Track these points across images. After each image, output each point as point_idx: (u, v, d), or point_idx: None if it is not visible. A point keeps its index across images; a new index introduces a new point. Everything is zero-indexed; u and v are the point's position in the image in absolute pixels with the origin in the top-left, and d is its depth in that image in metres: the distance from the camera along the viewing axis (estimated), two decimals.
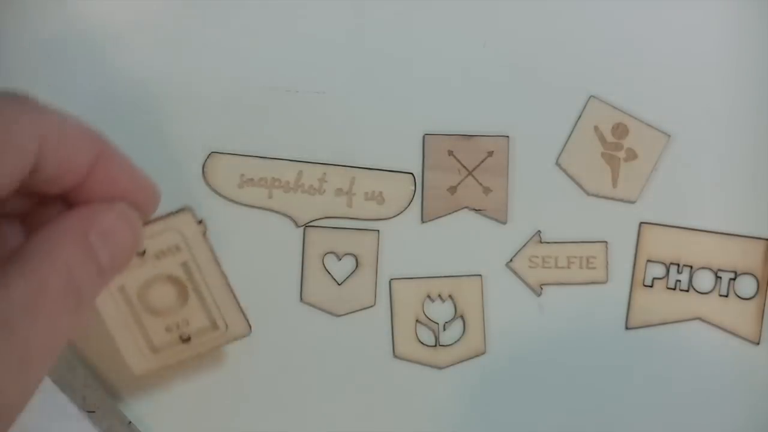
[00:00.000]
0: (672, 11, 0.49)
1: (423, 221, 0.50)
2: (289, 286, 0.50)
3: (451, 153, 0.49)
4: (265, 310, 0.50)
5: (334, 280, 0.50)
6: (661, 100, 0.50)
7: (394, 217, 0.49)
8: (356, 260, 0.50)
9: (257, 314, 0.49)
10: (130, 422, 0.49)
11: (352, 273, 0.50)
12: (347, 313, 0.50)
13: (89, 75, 0.49)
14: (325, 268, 0.50)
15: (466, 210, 0.50)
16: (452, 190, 0.50)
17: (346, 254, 0.49)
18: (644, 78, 0.49)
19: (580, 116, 0.49)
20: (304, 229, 0.49)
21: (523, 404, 0.50)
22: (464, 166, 0.49)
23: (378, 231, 0.50)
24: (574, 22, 0.50)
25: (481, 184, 0.50)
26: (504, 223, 0.50)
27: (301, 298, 0.50)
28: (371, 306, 0.50)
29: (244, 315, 0.43)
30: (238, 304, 0.43)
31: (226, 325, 0.43)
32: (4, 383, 0.32)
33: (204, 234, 0.42)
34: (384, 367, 0.50)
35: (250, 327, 0.43)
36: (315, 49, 0.49)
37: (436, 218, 0.50)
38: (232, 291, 0.42)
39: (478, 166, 0.49)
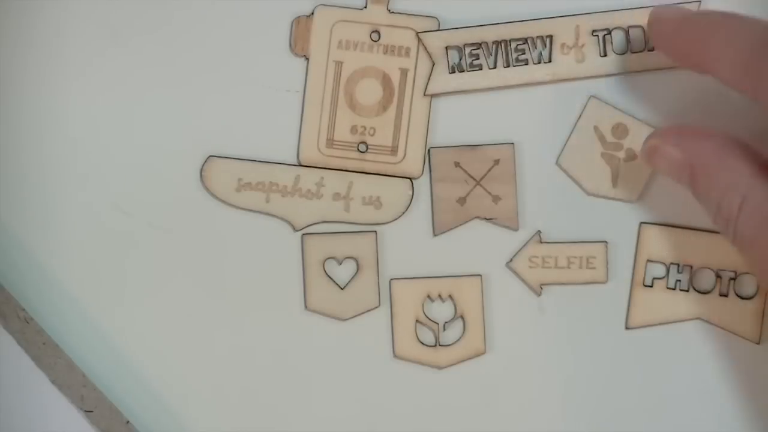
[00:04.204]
0: None
1: (435, 234, 0.49)
2: (293, 295, 0.50)
3: (457, 164, 0.49)
4: (272, 319, 0.50)
5: (337, 285, 0.50)
6: (661, 100, 0.49)
7: (391, 221, 0.49)
8: (357, 263, 0.50)
9: (264, 324, 0.50)
10: (128, 421, 0.49)
11: (353, 276, 0.50)
12: (352, 317, 0.50)
13: (87, 77, 0.49)
14: (326, 273, 0.50)
15: (477, 220, 0.49)
16: (461, 201, 0.49)
17: (346, 258, 0.49)
18: (644, 78, 0.49)
19: (579, 116, 0.49)
20: (302, 237, 0.49)
21: (523, 404, 0.50)
22: (472, 177, 0.49)
23: (375, 232, 0.49)
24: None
25: (489, 193, 0.49)
26: (516, 230, 0.49)
27: (306, 306, 0.50)
28: (376, 307, 0.50)
29: (425, 159, 0.42)
30: (425, 144, 0.42)
31: (404, 157, 0.42)
32: None
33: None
34: (384, 368, 0.50)
35: (422, 172, 0.43)
36: None
37: (448, 230, 0.49)
38: (427, 129, 0.42)
39: (486, 175, 0.49)
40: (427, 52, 0.48)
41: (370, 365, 0.50)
